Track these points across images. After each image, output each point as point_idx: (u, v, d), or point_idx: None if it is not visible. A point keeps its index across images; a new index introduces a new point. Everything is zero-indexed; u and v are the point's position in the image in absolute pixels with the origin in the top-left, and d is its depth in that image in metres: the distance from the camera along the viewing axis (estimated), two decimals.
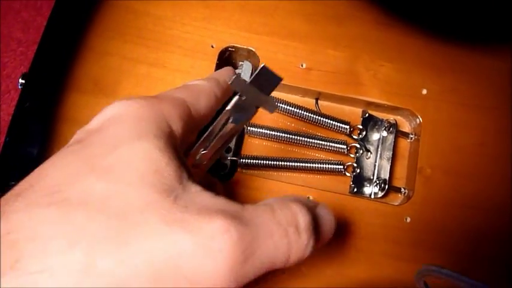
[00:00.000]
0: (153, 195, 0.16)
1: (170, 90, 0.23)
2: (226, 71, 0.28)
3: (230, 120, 0.21)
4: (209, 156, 0.23)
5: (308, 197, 0.31)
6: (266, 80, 0.21)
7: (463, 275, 0.27)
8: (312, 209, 0.20)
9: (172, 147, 0.19)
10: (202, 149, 0.23)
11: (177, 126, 0.21)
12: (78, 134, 0.21)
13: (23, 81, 0.34)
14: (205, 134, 0.22)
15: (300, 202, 0.20)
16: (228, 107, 0.21)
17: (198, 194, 0.18)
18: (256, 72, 0.20)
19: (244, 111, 0.22)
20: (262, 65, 0.20)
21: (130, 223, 0.15)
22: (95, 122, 0.21)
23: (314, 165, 0.32)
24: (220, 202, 0.18)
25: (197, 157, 0.23)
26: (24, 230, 0.15)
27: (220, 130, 0.22)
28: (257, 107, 0.22)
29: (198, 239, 0.15)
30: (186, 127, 0.21)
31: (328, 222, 0.22)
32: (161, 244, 0.15)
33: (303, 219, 0.19)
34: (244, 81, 0.20)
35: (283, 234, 0.18)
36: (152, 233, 0.15)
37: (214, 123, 0.22)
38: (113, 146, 0.18)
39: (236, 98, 0.21)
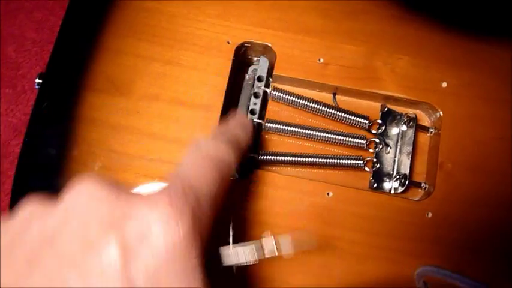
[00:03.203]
0: None
1: (193, 170, 0.22)
2: (243, 125, 0.29)
3: None
4: None
5: (328, 193, 0.31)
6: None
7: (463, 275, 0.26)
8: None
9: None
10: None
11: (205, 234, 0.20)
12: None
13: (40, 81, 0.35)
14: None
15: None
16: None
17: None
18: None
19: None
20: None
21: None
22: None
23: (333, 160, 0.32)
24: None
25: None
26: None
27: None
28: None
29: None
30: (211, 225, 0.21)
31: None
32: None
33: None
34: None
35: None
36: None
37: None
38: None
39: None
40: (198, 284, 0.18)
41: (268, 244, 0.23)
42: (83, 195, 0.19)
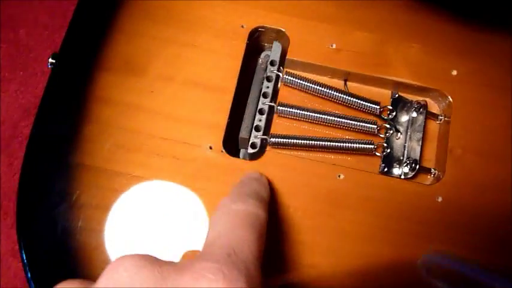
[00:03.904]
0: None
1: (240, 237, 0.21)
2: (265, 187, 0.28)
3: None
4: None
5: (339, 175, 0.31)
6: None
7: (467, 263, 0.27)
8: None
9: None
10: None
11: None
12: None
13: (53, 61, 0.35)
14: None
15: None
16: None
17: None
18: None
19: None
20: None
21: None
22: None
23: (344, 144, 0.32)
24: None
25: None
26: None
27: None
28: None
29: None
30: None
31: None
32: None
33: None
34: None
35: None
36: None
37: None
38: None
39: None
40: None
41: None
42: (122, 276, 0.17)
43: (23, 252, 0.30)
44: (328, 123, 0.33)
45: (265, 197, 0.27)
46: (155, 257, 0.18)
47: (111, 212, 0.30)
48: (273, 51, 0.34)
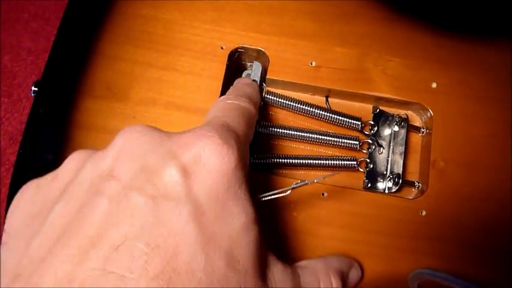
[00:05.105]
0: None
1: (235, 119, 0.24)
2: (253, 88, 0.31)
3: None
4: None
5: (322, 194, 0.31)
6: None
7: (457, 277, 0.27)
8: (346, 274, 0.27)
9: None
10: None
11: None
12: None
13: (36, 89, 0.35)
14: None
15: (339, 273, 0.26)
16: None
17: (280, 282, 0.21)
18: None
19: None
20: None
21: None
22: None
23: (327, 161, 0.32)
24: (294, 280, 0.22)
25: None
26: None
27: None
28: None
29: None
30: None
31: (354, 281, 0.28)
32: None
33: None
34: None
35: None
36: None
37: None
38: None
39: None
40: (248, 201, 0.21)
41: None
42: (134, 134, 0.20)
43: None
44: (311, 140, 0.33)
45: (256, 98, 0.29)
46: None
47: None
48: (253, 71, 0.35)
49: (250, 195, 0.21)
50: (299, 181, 0.26)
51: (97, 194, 0.18)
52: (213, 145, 0.20)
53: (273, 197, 0.25)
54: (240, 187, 0.20)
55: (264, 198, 0.24)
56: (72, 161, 0.21)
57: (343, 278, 0.27)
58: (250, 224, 0.20)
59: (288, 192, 0.25)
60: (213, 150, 0.20)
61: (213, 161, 0.19)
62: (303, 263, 0.26)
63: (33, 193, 0.21)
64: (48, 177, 0.22)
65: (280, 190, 0.25)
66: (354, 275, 0.28)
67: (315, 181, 0.26)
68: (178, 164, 0.19)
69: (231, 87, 0.31)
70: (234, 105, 0.26)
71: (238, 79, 0.33)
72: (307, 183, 0.26)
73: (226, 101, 0.26)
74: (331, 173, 0.27)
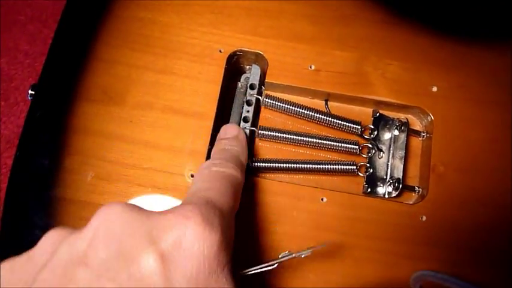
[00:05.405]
0: None
1: (218, 194, 0.23)
2: (242, 146, 0.30)
3: None
4: None
5: (322, 199, 0.31)
6: None
7: (459, 278, 0.27)
8: None
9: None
10: None
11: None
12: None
13: (33, 92, 0.35)
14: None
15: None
16: None
17: None
18: None
19: None
20: None
21: None
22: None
23: (327, 166, 0.32)
24: None
25: None
26: None
27: None
28: None
29: None
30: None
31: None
32: None
33: None
34: None
35: None
36: None
37: None
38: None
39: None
40: (230, 283, 0.20)
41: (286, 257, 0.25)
42: (111, 215, 0.19)
43: None
44: (310, 145, 0.33)
45: (243, 160, 0.29)
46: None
47: None
48: (252, 75, 0.34)
49: (232, 276, 0.20)
50: (286, 252, 0.25)
51: (69, 283, 0.17)
52: (194, 228, 0.19)
53: (258, 271, 0.24)
54: (223, 270, 0.19)
55: (249, 273, 0.23)
56: (48, 241, 0.20)
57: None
58: None
59: (275, 266, 0.24)
60: (194, 234, 0.19)
61: (194, 246, 0.19)
62: None
63: (7, 275, 0.20)
64: (23, 258, 0.20)
65: (266, 264, 0.24)
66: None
67: (302, 256, 0.25)
68: (157, 250, 0.18)
69: (216, 145, 0.30)
70: (219, 173, 0.25)
71: (224, 126, 0.32)
72: (294, 257, 0.25)
73: (212, 168, 0.26)
74: (319, 246, 0.25)
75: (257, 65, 0.35)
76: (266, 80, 0.34)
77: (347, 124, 0.33)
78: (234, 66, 0.35)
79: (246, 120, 0.34)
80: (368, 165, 0.33)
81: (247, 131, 0.33)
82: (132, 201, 0.30)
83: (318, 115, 0.33)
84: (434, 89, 0.33)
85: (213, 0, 0.35)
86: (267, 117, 0.34)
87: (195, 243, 0.19)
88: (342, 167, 0.32)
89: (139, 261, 0.18)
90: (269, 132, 0.33)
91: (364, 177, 0.33)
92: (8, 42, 0.44)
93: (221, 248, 0.19)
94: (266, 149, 0.34)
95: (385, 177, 0.33)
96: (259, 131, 0.33)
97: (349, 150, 0.33)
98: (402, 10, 0.35)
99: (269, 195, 0.31)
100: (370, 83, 0.34)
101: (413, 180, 0.33)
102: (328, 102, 0.35)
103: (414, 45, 0.34)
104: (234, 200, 0.24)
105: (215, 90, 0.33)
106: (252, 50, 0.34)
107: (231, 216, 0.23)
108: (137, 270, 0.17)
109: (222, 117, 0.34)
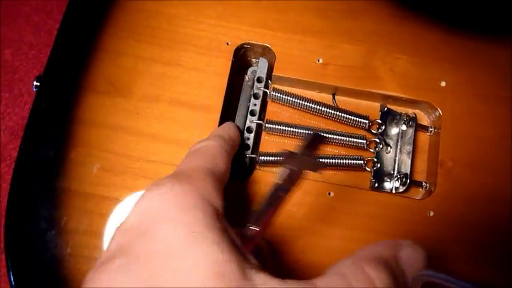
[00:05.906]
0: None
1: (187, 161, 0.24)
2: (227, 126, 0.30)
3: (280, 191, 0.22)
4: (263, 230, 0.23)
5: (329, 193, 0.31)
6: (314, 145, 0.22)
7: (459, 278, 0.26)
8: (393, 259, 0.20)
9: (226, 234, 0.18)
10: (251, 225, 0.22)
11: (217, 202, 0.20)
12: (118, 238, 0.18)
13: (38, 84, 0.34)
14: (259, 211, 0.22)
15: (376, 261, 0.19)
16: (278, 181, 0.22)
17: (266, 284, 0.17)
18: (307, 143, 0.22)
19: (292, 178, 0.22)
20: (314, 134, 0.21)
21: None
22: (134, 220, 0.19)
23: (334, 160, 0.32)
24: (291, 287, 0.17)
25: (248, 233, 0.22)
26: None
27: (271, 203, 0.22)
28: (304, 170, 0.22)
29: None
30: (221, 195, 0.21)
31: (416, 263, 0.21)
32: None
33: (381, 285, 0.17)
34: (294, 155, 0.21)
35: None
36: None
37: (266, 199, 0.22)
38: (167, 255, 0.17)
39: (283, 170, 0.21)
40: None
41: None
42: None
43: (12, 279, 0.30)
44: None
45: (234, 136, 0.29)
46: None
47: (102, 238, 0.30)
48: (259, 68, 0.34)
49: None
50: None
51: None
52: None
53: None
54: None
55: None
56: None
57: (390, 264, 0.19)
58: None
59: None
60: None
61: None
62: (327, 270, 0.20)
63: None
64: None
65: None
66: (408, 254, 0.21)
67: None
68: None
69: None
70: (202, 146, 0.26)
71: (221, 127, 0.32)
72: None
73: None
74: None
75: (264, 58, 0.34)
76: (273, 74, 0.33)
77: (354, 118, 0.33)
78: (241, 59, 0.35)
79: (252, 113, 0.33)
80: (375, 160, 0.33)
81: (254, 125, 0.33)
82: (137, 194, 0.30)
83: (325, 109, 0.33)
84: (443, 83, 0.33)
85: None
86: (274, 110, 0.34)
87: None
88: (349, 161, 0.32)
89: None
90: (276, 126, 0.33)
91: (371, 172, 0.32)
92: (13, 34, 0.44)
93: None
94: (272, 143, 0.33)
95: (392, 172, 0.33)
96: (266, 125, 0.33)
97: (357, 144, 0.33)
98: (411, 4, 0.35)
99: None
100: (378, 77, 0.33)
101: (420, 176, 0.33)
102: (336, 96, 0.34)
103: (423, 39, 0.34)
104: (221, 165, 0.24)
105: (222, 83, 0.33)
106: (260, 43, 0.34)
107: (217, 179, 0.22)
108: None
109: (228, 110, 0.33)
